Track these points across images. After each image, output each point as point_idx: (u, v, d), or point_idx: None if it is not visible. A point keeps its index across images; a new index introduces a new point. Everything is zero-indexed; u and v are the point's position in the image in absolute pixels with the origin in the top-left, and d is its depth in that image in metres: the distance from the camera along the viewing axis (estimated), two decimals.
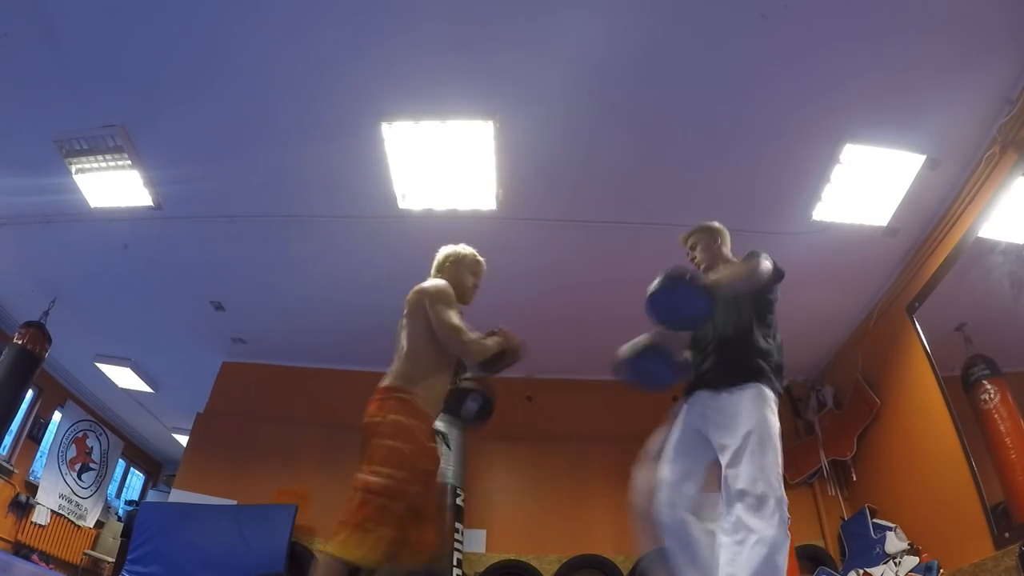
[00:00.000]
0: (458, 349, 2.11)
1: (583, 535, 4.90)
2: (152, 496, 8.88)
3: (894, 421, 4.35)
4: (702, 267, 2.42)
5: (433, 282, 2.22)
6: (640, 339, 2.25)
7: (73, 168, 3.86)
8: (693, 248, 2.48)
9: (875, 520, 4.22)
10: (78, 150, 3.75)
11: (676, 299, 1.97)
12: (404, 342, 2.12)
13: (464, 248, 2.40)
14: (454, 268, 2.32)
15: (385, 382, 2.05)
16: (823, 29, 2.94)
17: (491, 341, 2.13)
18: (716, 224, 2.50)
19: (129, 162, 3.80)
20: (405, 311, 2.17)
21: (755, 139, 3.51)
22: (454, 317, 2.10)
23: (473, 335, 2.11)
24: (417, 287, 2.19)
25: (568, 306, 4.88)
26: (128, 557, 4.65)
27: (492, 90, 3.29)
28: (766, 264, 2.15)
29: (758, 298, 2.22)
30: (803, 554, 4.53)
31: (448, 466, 4.61)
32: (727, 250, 2.47)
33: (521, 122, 3.41)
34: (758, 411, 2.01)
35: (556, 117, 3.43)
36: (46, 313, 5.21)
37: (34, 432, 6.80)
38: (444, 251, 2.39)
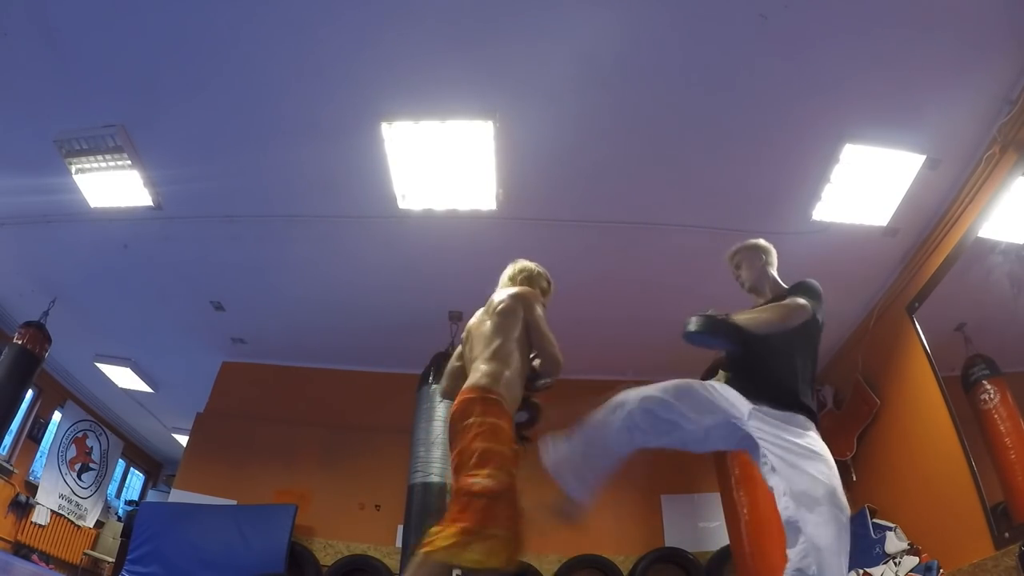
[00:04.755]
0: (551, 357, 2.16)
1: (583, 535, 4.88)
2: (152, 496, 8.89)
3: (894, 421, 4.35)
4: (746, 286, 2.45)
5: (529, 289, 2.29)
6: None
7: (73, 168, 3.86)
8: (738, 267, 2.48)
9: (875, 520, 4.21)
10: (78, 150, 3.74)
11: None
12: (494, 341, 2.11)
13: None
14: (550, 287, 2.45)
15: (475, 380, 2.01)
16: (823, 29, 2.94)
17: None
18: (762, 242, 2.49)
19: (129, 162, 3.80)
20: (495, 310, 2.20)
21: (755, 139, 3.51)
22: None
23: None
24: (515, 291, 2.25)
25: (568, 306, 4.81)
26: (128, 557, 4.65)
27: (492, 90, 3.29)
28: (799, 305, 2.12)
29: None
30: None
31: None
32: (773, 270, 2.45)
33: (521, 122, 3.41)
34: None
35: (556, 117, 3.43)
36: (46, 313, 5.21)
37: (34, 432, 6.81)
38: (535, 268, 2.46)
